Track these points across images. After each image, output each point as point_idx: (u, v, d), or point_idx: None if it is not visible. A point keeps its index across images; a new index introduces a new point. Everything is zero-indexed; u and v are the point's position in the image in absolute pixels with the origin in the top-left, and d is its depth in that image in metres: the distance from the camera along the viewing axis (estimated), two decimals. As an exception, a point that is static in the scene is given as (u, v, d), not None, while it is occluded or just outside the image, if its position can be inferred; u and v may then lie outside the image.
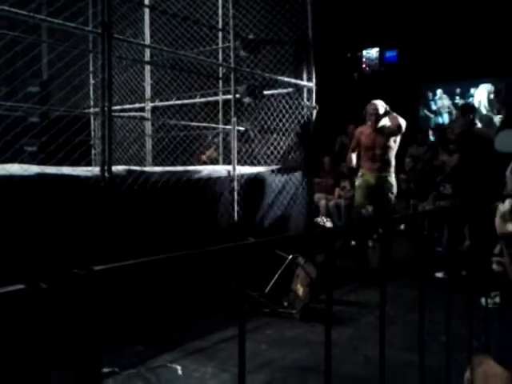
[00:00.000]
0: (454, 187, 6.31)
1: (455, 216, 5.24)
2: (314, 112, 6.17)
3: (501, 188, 4.12)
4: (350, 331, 4.02)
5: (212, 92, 6.62)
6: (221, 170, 5.20)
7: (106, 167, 3.77)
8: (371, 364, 3.23)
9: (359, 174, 6.17)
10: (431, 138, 11.30)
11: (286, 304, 4.45)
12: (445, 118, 12.42)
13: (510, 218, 3.34)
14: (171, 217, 4.47)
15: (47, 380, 0.86)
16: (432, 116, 12.63)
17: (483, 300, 3.15)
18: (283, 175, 5.84)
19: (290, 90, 6.07)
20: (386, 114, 5.94)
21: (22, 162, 3.83)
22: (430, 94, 12.62)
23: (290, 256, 4.61)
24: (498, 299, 4.05)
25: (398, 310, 4.25)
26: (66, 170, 3.80)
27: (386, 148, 5.96)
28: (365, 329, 4.05)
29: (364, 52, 13.24)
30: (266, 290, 4.52)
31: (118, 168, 4.21)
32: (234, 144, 5.19)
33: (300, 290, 4.41)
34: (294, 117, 6.06)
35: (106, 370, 3.11)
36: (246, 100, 5.55)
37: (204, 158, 6.81)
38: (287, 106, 6.03)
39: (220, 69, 6.47)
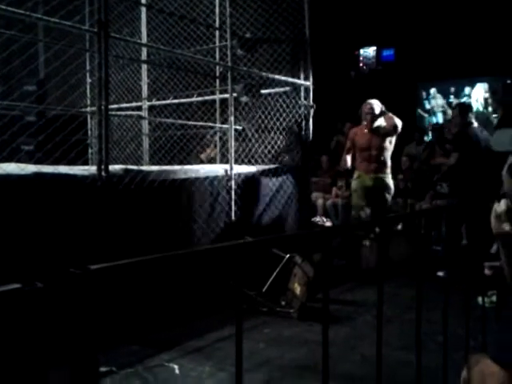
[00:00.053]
0: (450, 186, 6.32)
1: (452, 214, 5.25)
2: (312, 111, 6.16)
3: (497, 187, 4.13)
4: (347, 330, 4.02)
5: (209, 91, 6.62)
6: (218, 169, 5.20)
7: (102, 166, 3.77)
8: (368, 363, 3.23)
9: (355, 175, 6.07)
10: (429, 137, 11.28)
11: (283, 303, 4.45)
12: (439, 118, 12.39)
13: (505, 219, 3.36)
14: (168, 216, 4.47)
15: (45, 379, 0.86)
16: (426, 115, 12.60)
17: (480, 299, 3.16)
18: (280, 174, 5.84)
19: (287, 88, 6.07)
20: (381, 114, 5.85)
21: (18, 161, 3.82)
22: (424, 94, 12.59)
23: (288, 255, 4.61)
24: (494, 298, 4.05)
25: (395, 310, 4.26)
26: (63, 169, 3.79)
27: (382, 149, 5.86)
28: (362, 328, 4.06)
29: (361, 51, 13.23)
30: (264, 289, 4.53)
31: (115, 167, 4.20)
32: (232, 143, 5.19)
33: (297, 289, 4.41)
34: (291, 116, 6.06)
35: (103, 369, 3.11)
36: (243, 99, 5.54)
37: (202, 157, 6.80)
38: (284, 105, 6.03)
39: (217, 68, 6.46)
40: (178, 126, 6.58)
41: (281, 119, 5.98)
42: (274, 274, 4.59)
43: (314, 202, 7.93)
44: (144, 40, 6.65)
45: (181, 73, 6.60)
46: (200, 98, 6.62)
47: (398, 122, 5.77)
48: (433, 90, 12.44)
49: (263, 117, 5.97)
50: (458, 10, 10.53)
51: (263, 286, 4.55)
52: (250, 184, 5.38)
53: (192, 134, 6.72)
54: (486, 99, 11.61)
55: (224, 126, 5.95)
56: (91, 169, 4.07)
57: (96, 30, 3.79)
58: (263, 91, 5.95)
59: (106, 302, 1.35)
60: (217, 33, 6.43)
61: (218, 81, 6.49)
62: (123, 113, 7.01)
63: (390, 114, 5.84)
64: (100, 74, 3.77)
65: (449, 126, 7.25)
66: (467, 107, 6.15)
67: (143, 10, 6.69)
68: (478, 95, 11.72)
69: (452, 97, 12.11)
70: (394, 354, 3.32)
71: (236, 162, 5.44)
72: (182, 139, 6.57)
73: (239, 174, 5.24)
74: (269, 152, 5.97)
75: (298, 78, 6.08)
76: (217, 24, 6.36)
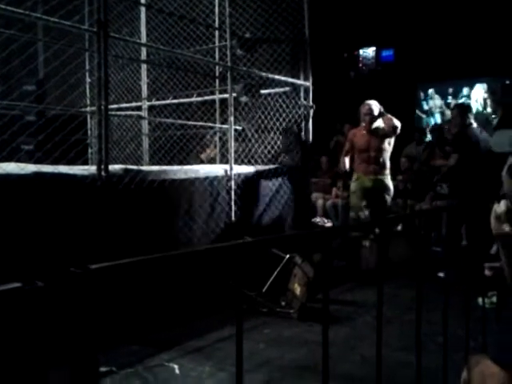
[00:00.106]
0: (450, 187, 6.32)
1: (452, 215, 5.25)
2: (311, 111, 6.16)
3: (497, 188, 4.13)
4: (347, 331, 4.02)
5: (209, 91, 6.62)
6: (218, 169, 5.20)
7: (102, 166, 3.76)
8: (368, 364, 3.23)
9: (354, 177, 6.02)
10: (427, 137, 11.27)
11: (283, 303, 4.45)
12: (437, 119, 12.35)
13: (505, 219, 3.35)
14: (168, 216, 4.47)
15: (45, 379, 0.86)
16: (424, 116, 12.56)
17: (480, 300, 3.16)
18: (280, 174, 5.84)
19: (287, 88, 6.07)
20: (380, 115, 5.81)
21: (18, 160, 3.82)
22: (422, 94, 12.56)
23: (287, 255, 4.61)
24: (494, 299, 4.05)
25: (394, 310, 4.26)
26: (63, 168, 3.79)
27: (381, 150, 5.81)
28: (361, 328, 4.06)
29: (360, 51, 13.23)
30: (264, 290, 4.52)
31: (114, 167, 4.20)
32: (231, 143, 5.19)
33: (297, 289, 4.41)
34: (290, 116, 6.05)
35: (103, 369, 3.11)
36: (243, 99, 5.54)
37: (202, 157, 6.80)
38: (284, 105, 6.02)
39: (216, 68, 6.46)
40: (178, 126, 6.58)
41: (280, 119, 5.98)
42: (274, 274, 4.59)
43: (313, 203, 7.92)
44: (143, 40, 6.65)
45: (180, 73, 6.60)
46: (200, 98, 6.62)
47: (398, 123, 5.73)
48: (430, 91, 12.42)
49: (263, 117, 5.96)
50: (458, 10, 10.53)
51: (263, 286, 4.54)
52: (249, 184, 5.37)
53: (192, 134, 6.71)
54: (485, 100, 11.61)
55: (224, 126, 5.95)
56: (91, 168, 4.07)
57: (95, 30, 3.78)
58: (263, 91, 5.95)
59: (106, 302, 1.35)
60: (216, 33, 6.43)
61: (217, 81, 6.49)
62: (123, 113, 7.00)
63: (389, 115, 5.79)
64: (99, 74, 3.76)
65: (449, 125, 7.23)
66: (467, 108, 6.14)
67: (143, 9, 6.68)
68: (477, 96, 11.71)
69: (450, 97, 12.09)
70: (393, 354, 3.32)
71: (236, 162, 5.44)
72: (182, 139, 6.57)
73: (239, 175, 5.24)
74: (268, 152, 5.97)
75: (298, 78, 6.08)
76: (216, 24, 6.35)
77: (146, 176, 4.24)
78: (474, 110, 11.03)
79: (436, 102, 12.36)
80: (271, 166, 5.84)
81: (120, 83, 7.06)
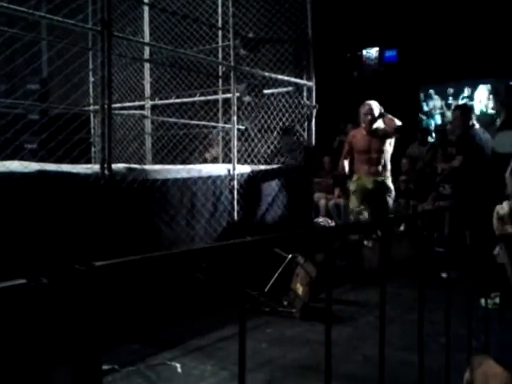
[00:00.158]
0: (453, 188, 6.30)
1: (455, 216, 5.24)
2: (314, 111, 6.15)
3: (500, 189, 4.12)
4: (350, 330, 4.02)
5: (212, 90, 6.62)
6: (221, 168, 5.20)
7: (105, 165, 3.77)
8: (370, 363, 3.23)
9: (354, 178, 5.94)
10: (432, 138, 11.23)
11: (285, 303, 4.45)
12: (437, 120, 12.28)
13: (509, 220, 3.33)
14: (171, 215, 4.47)
15: (48, 376, 0.86)
16: (424, 118, 12.47)
17: (483, 301, 3.15)
18: (283, 174, 5.83)
19: (290, 88, 6.07)
20: (380, 115, 5.72)
21: (22, 159, 3.83)
22: (422, 95, 12.48)
23: (290, 255, 4.61)
24: (497, 300, 4.04)
25: (397, 310, 4.25)
26: (66, 167, 3.80)
27: (382, 151, 5.75)
28: (364, 328, 4.05)
29: (364, 51, 13.22)
30: (266, 289, 4.52)
31: (117, 166, 4.21)
32: (234, 143, 5.19)
33: (300, 289, 4.41)
34: (293, 116, 6.05)
35: (105, 367, 3.11)
36: (246, 99, 5.54)
37: (207, 156, 6.80)
38: (287, 105, 6.02)
39: (220, 67, 6.46)
40: (181, 125, 6.59)
41: (283, 119, 5.98)
42: (277, 274, 4.59)
43: (316, 203, 7.91)
44: (147, 39, 6.66)
45: (183, 72, 6.60)
46: (203, 98, 6.62)
47: (399, 123, 5.67)
48: (431, 92, 12.35)
49: (266, 117, 5.97)
50: (462, 11, 10.52)
51: (265, 285, 4.54)
52: (252, 184, 5.37)
53: (195, 134, 6.72)
54: (488, 100, 11.57)
55: (227, 125, 5.95)
56: (94, 167, 4.07)
57: (99, 29, 3.79)
58: (266, 91, 5.95)
59: (109, 301, 1.35)
60: (219, 32, 6.43)
61: (220, 80, 6.49)
62: (126, 112, 7.01)
63: (390, 116, 5.72)
64: (103, 73, 3.77)
65: (451, 125, 7.20)
66: (469, 109, 6.13)
67: (146, 8, 6.69)
68: (481, 97, 11.67)
69: (451, 98, 12.04)
70: (396, 354, 3.31)
71: (239, 161, 5.43)
72: (185, 138, 6.57)
73: (242, 174, 5.24)
74: (271, 152, 5.97)
75: (301, 78, 6.08)
76: (220, 23, 6.36)
77: (148, 175, 4.24)
78: (478, 111, 11.01)
79: (436, 103, 12.30)
80: (274, 166, 5.84)
81: (123, 82, 7.07)
